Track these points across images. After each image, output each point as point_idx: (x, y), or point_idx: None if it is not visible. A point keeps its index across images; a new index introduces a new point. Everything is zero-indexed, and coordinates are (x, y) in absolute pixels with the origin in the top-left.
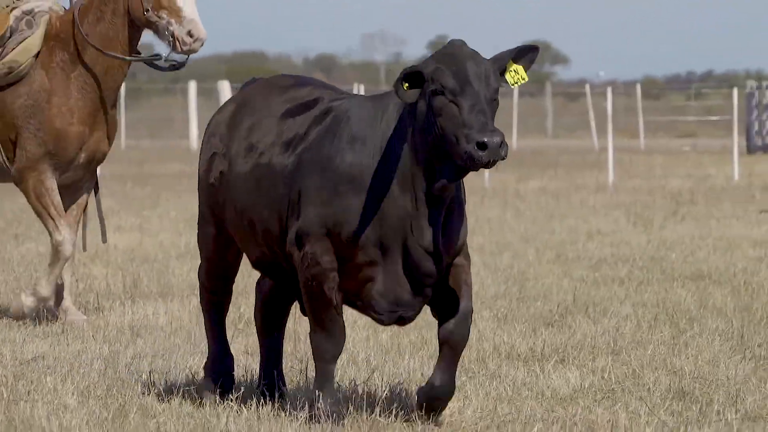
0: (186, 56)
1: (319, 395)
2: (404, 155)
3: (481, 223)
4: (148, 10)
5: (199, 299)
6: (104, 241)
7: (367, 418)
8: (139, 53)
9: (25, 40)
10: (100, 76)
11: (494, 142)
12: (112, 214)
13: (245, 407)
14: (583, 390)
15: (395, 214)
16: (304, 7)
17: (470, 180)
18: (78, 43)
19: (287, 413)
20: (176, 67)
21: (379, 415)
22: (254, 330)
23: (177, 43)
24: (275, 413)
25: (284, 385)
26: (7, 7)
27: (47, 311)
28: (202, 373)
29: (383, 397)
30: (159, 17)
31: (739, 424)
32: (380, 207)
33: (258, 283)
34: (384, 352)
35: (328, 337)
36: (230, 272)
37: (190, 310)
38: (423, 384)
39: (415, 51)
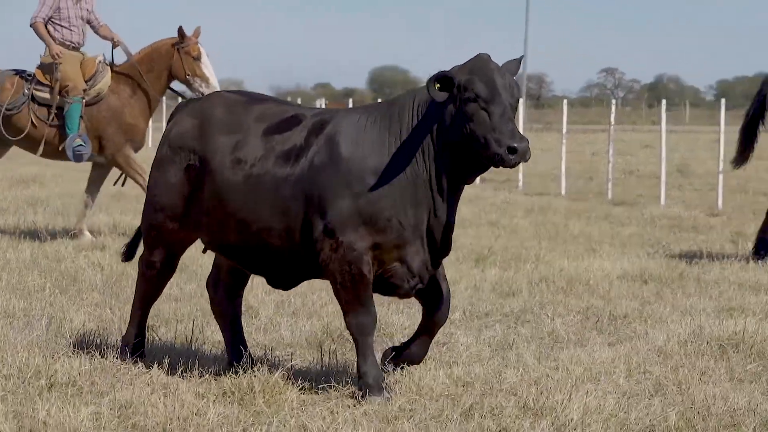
0: None
1: (366, 369)
2: (427, 151)
3: None
4: (189, 75)
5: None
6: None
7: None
8: (172, 89)
9: (105, 77)
10: (147, 100)
11: (522, 147)
12: None
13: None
14: None
15: (422, 200)
16: None
17: None
18: (136, 80)
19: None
20: None
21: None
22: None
23: None
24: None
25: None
26: (83, 55)
27: None
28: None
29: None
30: (194, 81)
31: None
32: (408, 195)
33: (208, 284)
34: None
35: (367, 314)
36: (178, 257)
37: None
38: (399, 344)
39: None
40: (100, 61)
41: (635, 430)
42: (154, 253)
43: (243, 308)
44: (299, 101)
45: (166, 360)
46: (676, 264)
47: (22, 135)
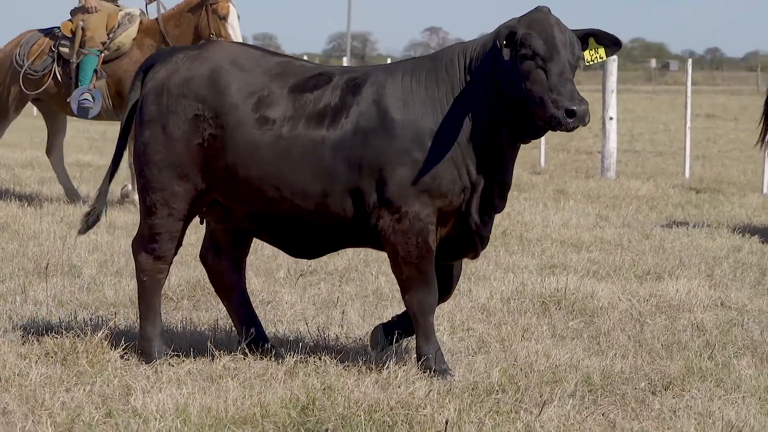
0: None
1: (428, 348)
2: (483, 108)
3: None
4: (213, 34)
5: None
6: None
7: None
8: None
9: (127, 30)
10: None
11: (582, 110)
12: None
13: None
14: None
15: (481, 159)
16: None
17: None
18: (161, 35)
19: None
20: None
21: None
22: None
23: None
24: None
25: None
26: (115, 9)
27: None
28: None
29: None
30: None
31: None
32: (469, 154)
33: (205, 254)
34: None
35: (429, 291)
36: (183, 233)
37: None
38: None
39: None
40: (127, 13)
41: (459, 387)
42: (159, 226)
43: (66, 267)
44: None
45: None
46: (499, 222)
47: (41, 89)
